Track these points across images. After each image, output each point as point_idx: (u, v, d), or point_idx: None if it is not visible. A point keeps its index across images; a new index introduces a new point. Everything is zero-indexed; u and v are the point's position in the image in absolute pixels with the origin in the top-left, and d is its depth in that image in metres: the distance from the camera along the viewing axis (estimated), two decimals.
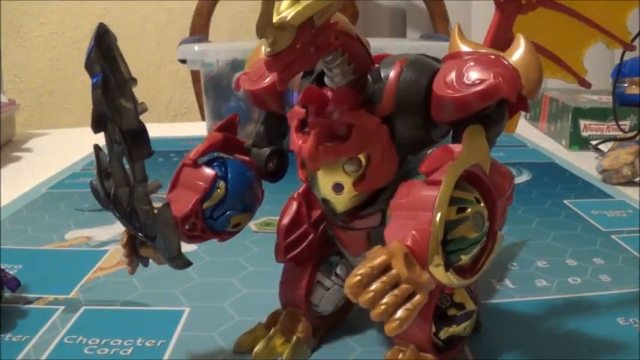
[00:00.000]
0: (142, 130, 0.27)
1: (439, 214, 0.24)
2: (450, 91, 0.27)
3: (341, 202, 0.29)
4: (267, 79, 0.32)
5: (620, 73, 0.77)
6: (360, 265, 0.24)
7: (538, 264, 0.45)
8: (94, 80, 0.26)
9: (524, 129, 0.92)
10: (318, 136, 0.27)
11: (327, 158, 0.28)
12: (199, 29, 1.27)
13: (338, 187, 0.28)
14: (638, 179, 0.64)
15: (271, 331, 0.33)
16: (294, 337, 0.33)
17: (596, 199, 0.60)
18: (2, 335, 0.36)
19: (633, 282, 0.41)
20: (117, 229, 0.53)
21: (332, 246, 0.34)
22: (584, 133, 0.79)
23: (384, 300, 0.24)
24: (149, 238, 0.28)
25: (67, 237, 0.52)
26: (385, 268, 0.24)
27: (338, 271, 0.34)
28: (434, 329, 0.30)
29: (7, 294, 0.39)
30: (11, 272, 0.41)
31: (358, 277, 0.24)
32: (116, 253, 0.48)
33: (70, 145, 0.87)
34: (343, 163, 0.28)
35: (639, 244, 0.48)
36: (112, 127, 0.27)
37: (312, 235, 0.33)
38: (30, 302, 0.40)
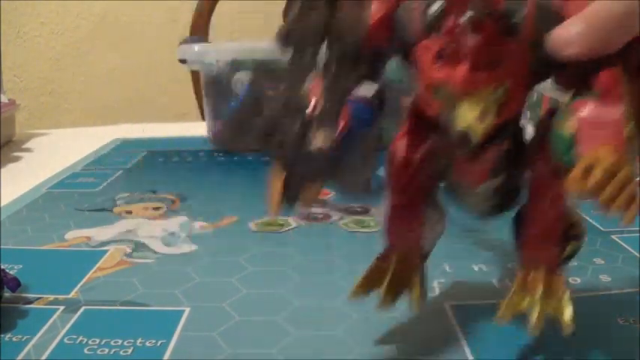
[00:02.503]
0: None
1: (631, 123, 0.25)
2: None
3: (480, 130, 0.27)
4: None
5: None
6: (590, 167, 0.24)
7: None
8: None
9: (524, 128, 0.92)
10: (474, 61, 0.26)
11: (481, 85, 0.26)
12: (199, 29, 1.28)
13: (482, 116, 0.27)
14: (638, 179, 0.64)
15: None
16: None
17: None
18: (2, 335, 0.36)
19: (633, 282, 0.41)
20: (117, 229, 0.53)
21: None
22: None
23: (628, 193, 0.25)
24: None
25: (67, 237, 0.52)
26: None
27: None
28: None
29: (7, 294, 0.39)
30: (11, 272, 0.41)
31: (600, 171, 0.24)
32: (116, 253, 0.48)
33: (70, 145, 0.87)
34: (490, 89, 0.27)
35: (639, 244, 0.48)
36: None
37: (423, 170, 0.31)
38: (30, 302, 0.40)
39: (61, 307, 0.39)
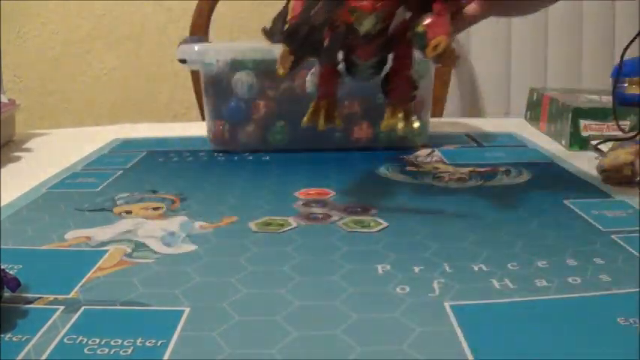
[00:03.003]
0: None
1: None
2: None
3: (374, 29, 0.53)
4: None
5: (620, 73, 0.77)
6: (437, 45, 0.49)
7: (538, 264, 0.45)
8: None
9: (525, 129, 0.92)
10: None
11: (375, 9, 0.51)
12: (199, 29, 1.28)
13: (375, 23, 0.52)
14: (638, 179, 0.64)
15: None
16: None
17: (596, 199, 0.60)
18: (2, 335, 0.36)
19: (633, 282, 0.41)
20: (117, 229, 0.53)
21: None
22: (584, 133, 0.79)
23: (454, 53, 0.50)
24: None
25: (67, 237, 0.52)
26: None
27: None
28: None
29: (7, 294, 0.39)
30: (11, 272, 0.41)
31: (442, 46, 0.49)
32: (116, 253, 0.48)
33: (70, 145, 0.87)
34: (379, 11, 0.52)
35: (639, 244, 0.48)
36: None
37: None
38: (30, 302, 0.40)
39: (61, 307, 0.39)
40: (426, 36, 0.50)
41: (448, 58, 0.49)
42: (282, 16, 0.52)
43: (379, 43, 0.55)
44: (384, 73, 0.58)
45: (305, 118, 0.58)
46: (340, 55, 0.57)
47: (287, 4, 0.52)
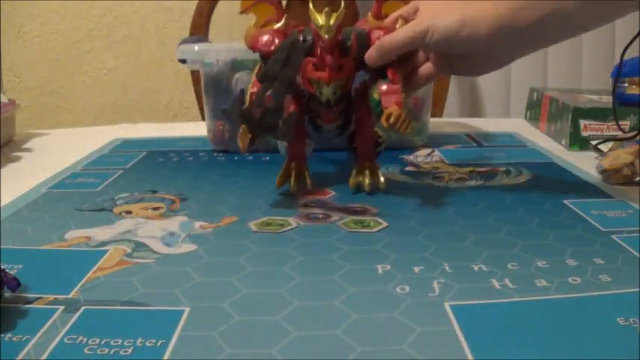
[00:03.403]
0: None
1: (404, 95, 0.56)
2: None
3: (333, 98, 0.59)
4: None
5: (620, 73, 0.77)
6: (389, 115, 0.53)
7: (538, 264, 0.45)
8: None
9: (525, 129, 0.92)
10: (330, 68, 0.57)
11: (334, 79, 0.58)
12: (199, 29, 1.27)
13: (334, 92, 0.58)
14: (638, 179, 0.64)
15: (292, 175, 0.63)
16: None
17: (596, 199, 0.60)
18: (2, 335, 0.36)
19: (633, 282, 0.41)
20: (117, 229, 0.53)
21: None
22: (584, 133, 0.79)
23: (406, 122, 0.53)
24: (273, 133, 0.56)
25: (67, 237, 0.52)
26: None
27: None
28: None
29: (7, 294, 0.39)
30: (11, 272, 0.41)
31: (394, 116, 0.53)
32: (116, 253, 0.48)
33: (70, 145, 0.87)
34: (338, 81, 0.58)
35: (639, 244, 0.48)
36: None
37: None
38: (30, 302, 0.40)
39: (61, 307, 0.39)
40: (380, 103, 0.55)
41: (401, 127, 0.53)
42: (238, 99, 0.55)
43: (340, 109, 0.60)
44: (350, 130, 0.63)
45: (277, 179, 0.62)
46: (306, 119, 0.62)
47: (241, 90, 0.57)
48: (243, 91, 0.57)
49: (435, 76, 0.62)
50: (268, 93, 0.54)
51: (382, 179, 0.62)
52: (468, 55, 0.56)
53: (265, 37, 0.60)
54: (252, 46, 0.61)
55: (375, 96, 0.56)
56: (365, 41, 0.58)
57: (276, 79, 0.55)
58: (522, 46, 0.56)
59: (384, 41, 0.57)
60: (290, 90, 0.57)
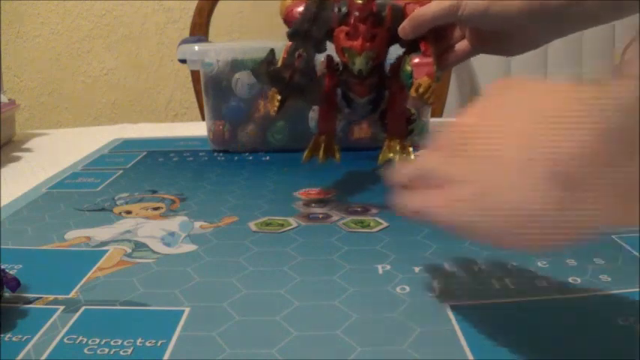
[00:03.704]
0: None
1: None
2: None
3: (366, 69, 0.57)
4: None
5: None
6: (419, 85, 0.54)
7: (538, 264, 0.45)
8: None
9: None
10: (363, 37, 0.56)
11: (367, 49, 0.57)
12: (199, 29, 1.27)
13: (366, 63, 0.57)
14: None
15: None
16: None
17: None
18: (2, 335, 0.36)
19: (633, 282, 0.41)
20: (117, 229, 0.53)
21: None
22: None
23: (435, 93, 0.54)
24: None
25: (67, 237, 0.52)
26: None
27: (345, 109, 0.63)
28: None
29: (7, 294, 0.39)
30: (11, 272, 0.41)
31: (424, 86, 0.54)
32: (116, 253, 0.48)
33: (70, 145, 0.87)
34: (370, 51, 0.57)
35: (639, 244, 0.48)
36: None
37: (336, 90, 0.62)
38: (30, 302, 0.40)
39: (61, 307, 0.39)
40: (412, 75, 0.55)
41: (429, 98, 0.54)
42: (267, 59, 0.55)
43: (373, 82, 0.59)
44: (381, 108, 0.62)
45: (305, 153, 0.62)
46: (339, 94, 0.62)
47: (271, 50, 0.57)
48: (273, 51, 0.55)
49: (470, 54, 0.61)
50: (299, 52, 0.54)
51: (413, 156, 0.60)
52: (500, 32, 0.56)
53: (301, 8, 0.58)
54: (288, 18, 0.59)
55: (408, 68, 0.56)
56: (400, 13, 0.57)
57: (305, 38, 0.55)
58: (553, 28, 0.55)
59: (417, 14, 0.56)
60: (320, 48, 0.57)
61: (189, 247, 0.49)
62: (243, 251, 0.48)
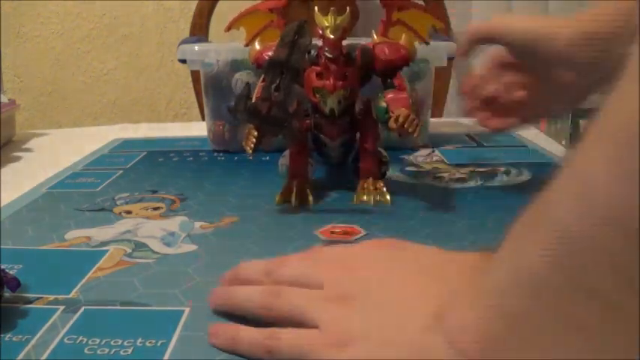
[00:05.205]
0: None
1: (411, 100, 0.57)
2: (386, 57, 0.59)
3: (338, 110, 0.57)
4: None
5: None
6: (398, 116, 0.53)
7: None
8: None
9: (524, 129, 0.92)
10: (334, 77, 0.56)
11: (338, 88, 0.56)
12: (199, 29, 1.28)
13: (338, 103, 0.57)
14: None
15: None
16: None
17: None
18: (2, 335, 0.36)
19: None
20: (117, 229, 0.53)
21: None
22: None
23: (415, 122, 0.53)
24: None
25: (67, 237, 0.52)
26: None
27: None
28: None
29: (7, 294, 0.39)
30: (11, 272, 0.41)
31: (403, 116, 0.53)
32: (116, 253, 0.48)
33: (70, 145, 0.87)
34: (342, 91, 0.57)
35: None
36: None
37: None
38: (30, 302, 0.40)
39: (61, 307, 0.39)
40: (387, 110, 0.55)
41: (409, 127, 0.52)
42: (244, 93, 0.53)
43: (344, 123, 0.59)
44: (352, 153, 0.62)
45: (277, 197, 0.59)
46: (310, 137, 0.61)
47: (247, 84, 0.55)
48: (249, 85, 0.54)
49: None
50: (276, 85, 0.52)
51: (388, 197, 0.59)
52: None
53: (271, 53, 0.56)
54: (259, 62, 0.60)
55: (383, 104, 0.55)
56: (369, 54, 0.58)
57: (283, 68, 0.53)
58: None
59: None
60: (298, 78, 0.55)
61: (190, 247, 0.49)
62: (243, 251, 0.48)
